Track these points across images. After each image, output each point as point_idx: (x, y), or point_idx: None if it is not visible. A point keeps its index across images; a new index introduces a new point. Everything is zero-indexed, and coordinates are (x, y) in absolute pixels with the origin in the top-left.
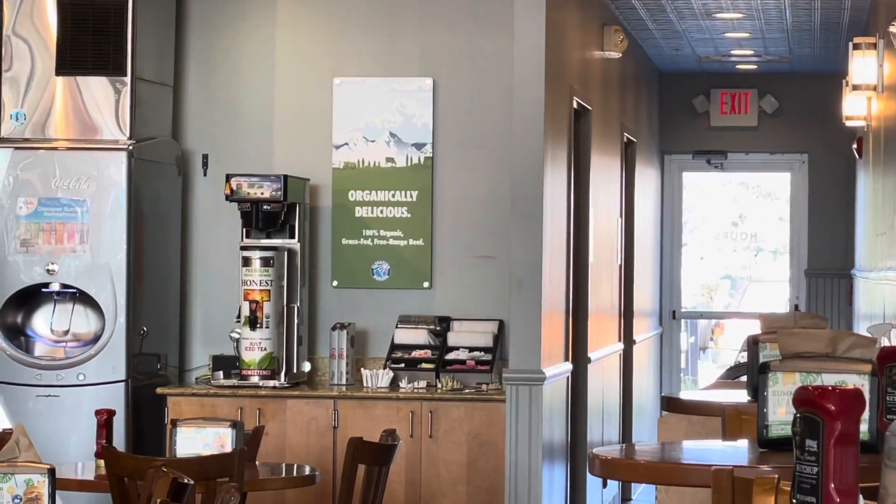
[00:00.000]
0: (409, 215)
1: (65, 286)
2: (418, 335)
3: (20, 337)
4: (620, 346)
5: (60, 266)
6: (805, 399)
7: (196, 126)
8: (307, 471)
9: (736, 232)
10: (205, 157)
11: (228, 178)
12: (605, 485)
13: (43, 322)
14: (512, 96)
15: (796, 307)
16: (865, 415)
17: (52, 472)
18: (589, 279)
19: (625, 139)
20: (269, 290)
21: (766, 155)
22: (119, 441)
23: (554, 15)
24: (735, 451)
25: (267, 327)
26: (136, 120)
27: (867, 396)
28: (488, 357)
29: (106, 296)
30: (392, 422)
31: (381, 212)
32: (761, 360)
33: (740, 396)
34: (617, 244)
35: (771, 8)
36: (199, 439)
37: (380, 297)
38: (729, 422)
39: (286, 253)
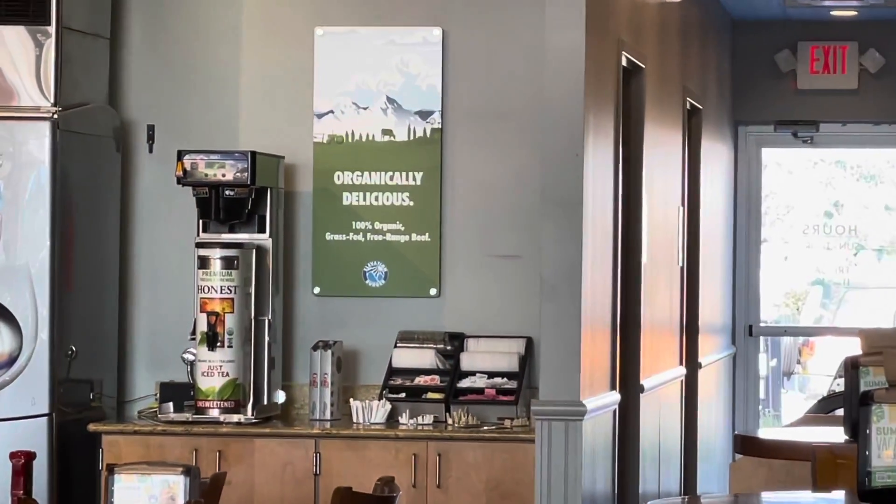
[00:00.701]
0: (411, 203)
1: None
2: (423, 357)
3: None
4: (682, 370)
5: None
6: None
7: (140, 90)
8: None
9: (830, 225)
10: (150, 128)
11: (181, 155)
12: None
13: None
14: (543, 51)
15: None
16: None
17: None
18: (642, 285)
19: (688, 106)
20: (232, 300)
21: (869, 126)
22: (41, 491)
23: None
24: None
25: (230, 346)
26: (64, 81)
27: None
28: (513, 385)
29: (24, 306)
30: (390, 467)
31: (376, 199)
32: (862, 388)
33: (835, 435)
34: (677, 241)
35: None
36: (142, 489)
37: (374, 309)
38: (820, 467)
39: (254, 251)
